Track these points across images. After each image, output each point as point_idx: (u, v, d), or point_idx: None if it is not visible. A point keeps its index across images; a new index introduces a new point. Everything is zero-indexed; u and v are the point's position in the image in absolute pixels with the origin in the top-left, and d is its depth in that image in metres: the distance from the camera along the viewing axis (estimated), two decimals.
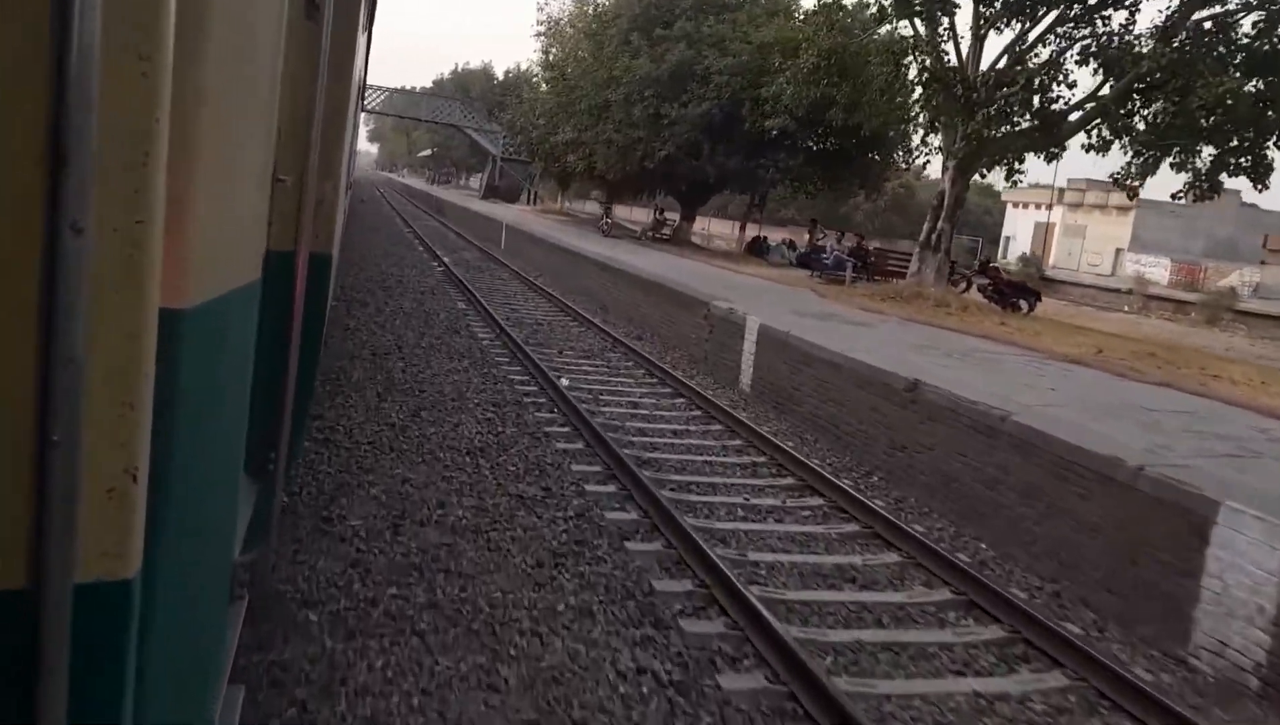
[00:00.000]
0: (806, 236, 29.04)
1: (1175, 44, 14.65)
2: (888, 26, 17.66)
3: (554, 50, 39.45)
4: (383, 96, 54.93)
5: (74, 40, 1.05)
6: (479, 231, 34.76)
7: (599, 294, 18.06)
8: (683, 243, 28.82)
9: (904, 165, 24.24)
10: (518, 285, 20.12)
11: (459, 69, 73.35)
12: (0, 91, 1.06)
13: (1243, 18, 15.04)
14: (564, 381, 10.23)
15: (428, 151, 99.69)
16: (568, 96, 30.36)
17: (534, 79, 45.98)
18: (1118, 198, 78.59)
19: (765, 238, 30.37)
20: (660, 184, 30.30)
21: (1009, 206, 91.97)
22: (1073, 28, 15.55)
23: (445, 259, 23.29)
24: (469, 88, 65.51)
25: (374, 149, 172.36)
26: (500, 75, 65.43)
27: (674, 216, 30.66)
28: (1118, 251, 72.46)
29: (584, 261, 20.43)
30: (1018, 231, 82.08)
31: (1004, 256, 75.08)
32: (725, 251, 29.25)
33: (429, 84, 67.60)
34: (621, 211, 43.78)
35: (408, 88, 56.22)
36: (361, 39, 5.26)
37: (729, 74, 22.56)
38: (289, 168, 2.85)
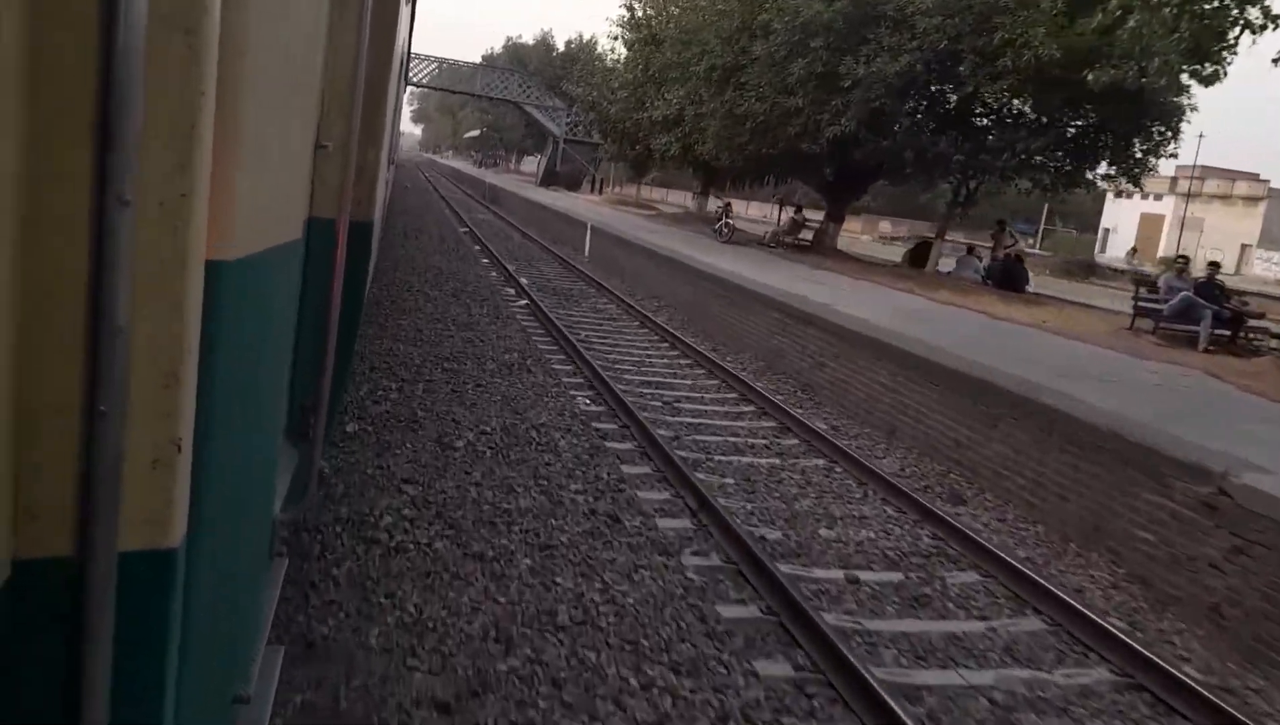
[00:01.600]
0: (991, 243, 21.76)
1: None
2: None
3: (640, 6, 32.24)
4: (432, 69, 48.20)
5: (121, 17, 1.05)
6: (549, 230, 27.85)
7: (789, 362, 11.01)
8: (827, 251, 21.61)
9: (1171, 150, 16.76)
10: (644, 336, 13.10)
11: (511, 42, 66.38)
12: (50, 68, 1.06)
13: None
14: None
15: (475, 132, 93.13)
16: (676, 58, 23.22)
17: (612, 43, 38.58)
18: (1244, 186, 68.81)
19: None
20: (798, 171, 23.06)
21: (1109, 195, 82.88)
22: None
23: (522, 280, 16.46)
24: (525, 62, 58.55)
25: (418, 130, 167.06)
26: (560, 46, 58.36)
27: (810, 216, 23.34)
28: (1243, 247, 63.50)
29: (727, 290, 13.43)
30: (1119, 223, 72.99)
31: (1102, 251, 66.58)
32: (883, 265, 22.00)
33: (477, 60, 60.48)
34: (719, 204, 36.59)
35: (460, 62, 49.48)
36: (405, 9, 5.15)
37: (940, 14, 15.29)
38: (332, 135, 2.78)
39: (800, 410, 9.16)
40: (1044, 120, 15.97)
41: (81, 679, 1.16)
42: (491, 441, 6.89)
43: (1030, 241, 67.73)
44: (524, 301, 14.48)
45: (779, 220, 24.16)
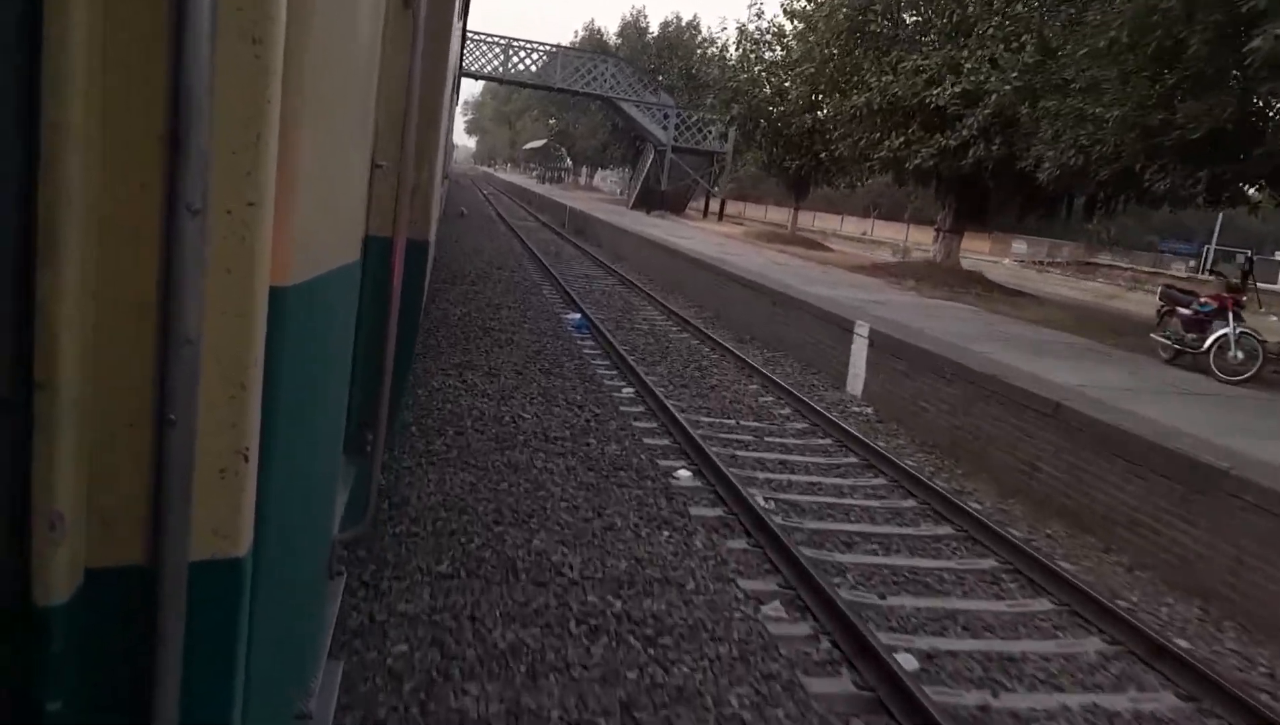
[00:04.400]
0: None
1: None
2: None
3: None
4: (494, 58, 36.16)
5: (190, 23, 1.06)
6: (710, 303, 15.43)
7: None
8: None
9: None
10: None
11: (591, 27, 54.06)
12: (119, 74, 1.07)
13: None
14: None
15: (538, 143, 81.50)
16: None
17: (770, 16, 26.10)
18: None
19: None
20: None
21: None
22: None
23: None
24: (611, 52, 46.27)
25: (472, 142, 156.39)
26: (655, 29, 46.02)
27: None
28: None
29: None
30: None
31: None
32: None
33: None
34: (967, 243, 23.68)
35: (532, 43, 37.19)
36: (456, 26, 5.05)
37: None
38: (387, 154, 2.84)
39: None
40: None
41: (153, 688, 1.16)
42: None
43: (1191, 265, 53.72)
44: None
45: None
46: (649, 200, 36.71)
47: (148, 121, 1.07)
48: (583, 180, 77.22)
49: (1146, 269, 47.83)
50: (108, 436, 1.12)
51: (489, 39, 35.25)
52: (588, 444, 7.42)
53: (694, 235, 25.74)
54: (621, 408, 8.81)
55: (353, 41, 1.83)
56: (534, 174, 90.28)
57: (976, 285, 16.80)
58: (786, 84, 24.09)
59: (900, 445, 8.70)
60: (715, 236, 26.57)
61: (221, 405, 1.18)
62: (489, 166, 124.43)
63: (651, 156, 36.80)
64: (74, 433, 1.08)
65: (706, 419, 8.84)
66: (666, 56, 42.78)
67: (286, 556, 1.58)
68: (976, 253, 49.13)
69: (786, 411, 9.51)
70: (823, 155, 21.93)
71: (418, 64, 2.73)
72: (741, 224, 38.39)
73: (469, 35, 33.34)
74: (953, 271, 18.10)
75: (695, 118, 33.54)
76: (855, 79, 18.64)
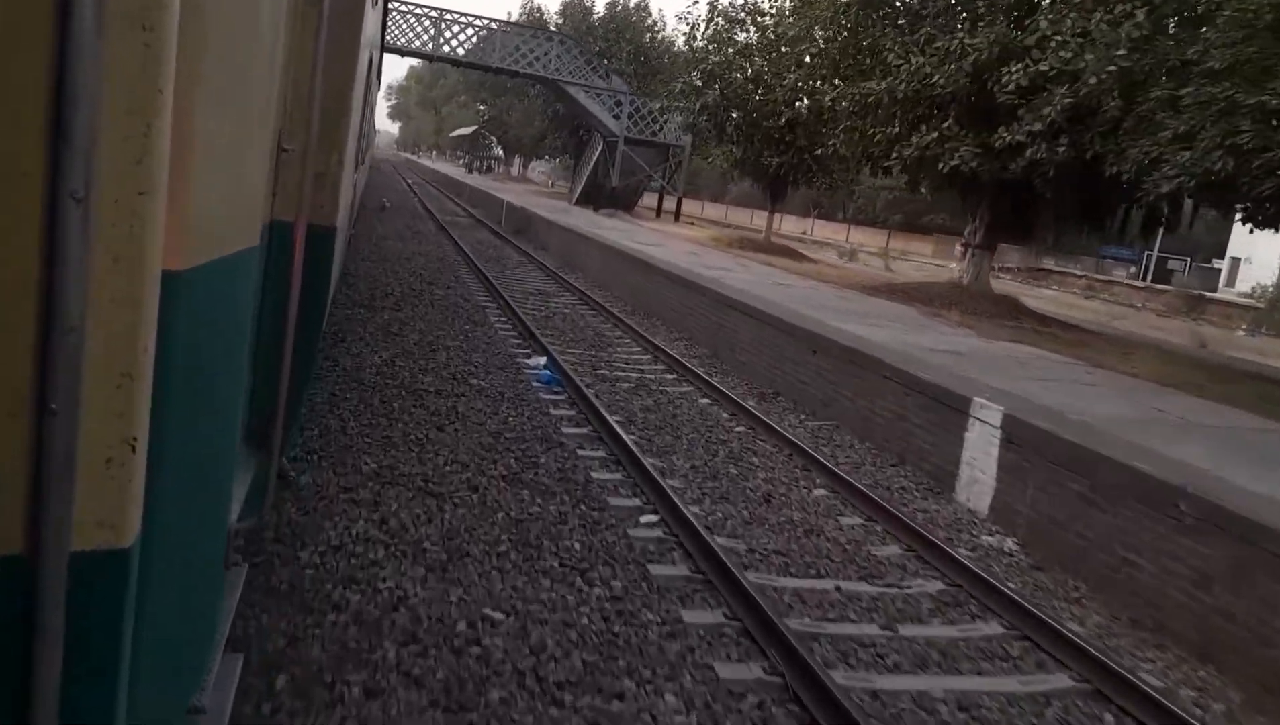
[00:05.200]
0: None
1: None
2: None
3: None
4: (425, 31, 31.90)
5: (77, 9, 1.02)
6: (723, 350, 11.87)
7: None
8: None
9: None
10: None
11: (526, 10, 49.86)
12: (2, 59, 1.02)
13: None
14: None
15: (467, 130, 76.86)
16: None
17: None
18: None
19: None
20: None
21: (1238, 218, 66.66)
22: None
23: None
24: (555, 31, 42.24)
25: (395, 128, 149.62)
26: (601, 9, 42.17)
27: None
28: None
29: None
30: (1255, 252, 57.97)
31: (1229, 285, 52.10)
32: None
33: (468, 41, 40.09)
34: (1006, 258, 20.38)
35: (467, 16, 32.93)
36: (372, 11, 4.95)
37: None
38: (295, 138, 2.71)
39: None
40: None
41: (32, 680, 1.11)
42: None
43: (1131, 271, 52.66)
44: None
45: None
46: (596, 196, 33.00)
47: (29, 108, 1.03)
48: (515, 170, 72.96)
49: (1099, 277, 46.11)
50: None
51: (417, 10, 30.99)
52: (619, 696, 3.85)
53: (655, 239, 22.25)
54: (650, 565, 5.25)
55: (254, 26, 1.76)
56: (461, 162, 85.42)
57: (1026, 317, 13.68)
58: (765, 69, 20.76)
59: (1101, 627, 5.35)
60: (681, 241, 23.11)
61: (108, 394, 1.15)
62: (413, 153, 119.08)
63: (600, 148, 33.07)
64: None
65: (790, 583, 5.35)
66: (614, 39, 39.07)
67: (178, 547, 1.52)
68: (919, 256, 46.81)
69: (894, 550, 6.07)
70: (816, 152, 18.65)
71: (322, 47, 2.63)
72: (693, 224, 35.02)
73: (393, 7, 29.16)
74: (985, 296, 14.98)
75: (658, 106, 29.92)
76: (870, 62, 15.35)
